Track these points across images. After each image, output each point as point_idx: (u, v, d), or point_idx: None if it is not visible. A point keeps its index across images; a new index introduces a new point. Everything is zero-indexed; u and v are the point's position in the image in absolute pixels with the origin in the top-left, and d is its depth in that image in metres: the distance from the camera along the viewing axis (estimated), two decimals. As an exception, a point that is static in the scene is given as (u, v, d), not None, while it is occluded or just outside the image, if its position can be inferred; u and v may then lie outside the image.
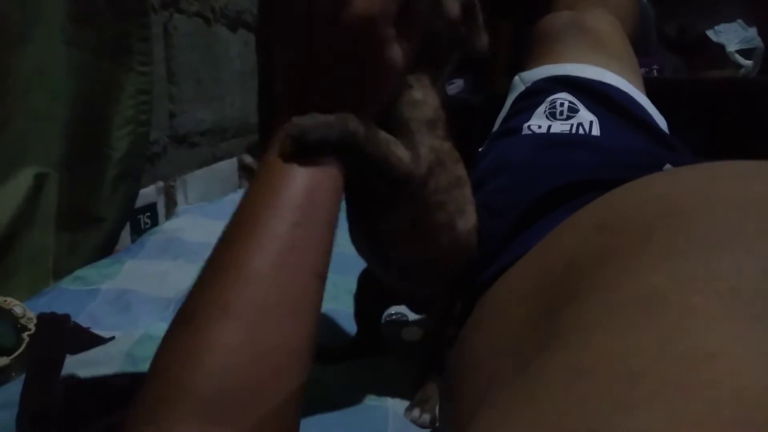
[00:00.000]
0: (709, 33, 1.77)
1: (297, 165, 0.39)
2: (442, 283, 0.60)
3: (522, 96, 0.83)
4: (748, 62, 1.74)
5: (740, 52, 1.74)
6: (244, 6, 1.67)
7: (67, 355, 0.66)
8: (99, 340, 0.70)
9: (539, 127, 0.75)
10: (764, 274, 0.25)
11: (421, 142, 0.49)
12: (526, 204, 0.56)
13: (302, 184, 0.38)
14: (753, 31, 1.75)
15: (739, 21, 1.76)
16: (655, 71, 1.74)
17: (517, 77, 0.88)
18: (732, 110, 1.84)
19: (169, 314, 0.75)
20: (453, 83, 1.84)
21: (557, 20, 0.92)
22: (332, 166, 0.41)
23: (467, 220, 0.57)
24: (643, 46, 1.71)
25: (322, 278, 0.38)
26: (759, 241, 0.27)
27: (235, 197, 1.34)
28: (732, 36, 1.75)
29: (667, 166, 0.54)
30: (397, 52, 0.43)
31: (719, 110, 1.81)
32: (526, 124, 0.76)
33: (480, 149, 0.82)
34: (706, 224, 0.29)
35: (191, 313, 0.35)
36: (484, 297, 0.48)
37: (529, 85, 0.83)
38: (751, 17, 1.77)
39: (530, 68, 0.87)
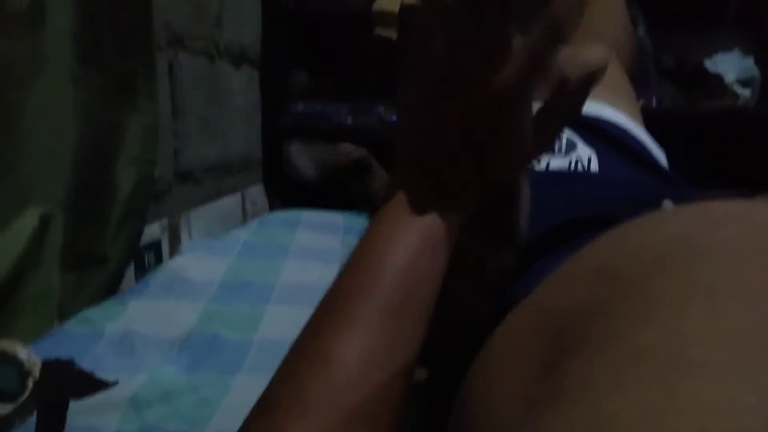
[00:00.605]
0: (707, 63, 1.79)
1: (401, 243, 0.37)
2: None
3: None
4: (746, 92, 1.75)
5: (738, 81, 1.75)
6: (248, 43, 1.70)
7: (71, 401, 0.66)
8: (103, 385, 0.69)
9: (538, 162, 0.75)
10: (761, 324, 0.25)
11: None
12: (527, 243, 0.56)
13: (403, 268, 0.37)
14: (750, 61, 1.77)
15: (737, 51, 1.78)
16: (654, 102, 1.76)
17: None
18: (731, 140, 1.85)
19: (173, 355, 0.75)
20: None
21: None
22: (441, 249, 0.38)
23: None
24: (641, 77, 1.73)
25: (408, 376, 0.36)
26: (756, 289, 0.27)
27: (240, 233, 1.34)
28: (729, 66, 1.77)
29: (666, 200, 0.55)
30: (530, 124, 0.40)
31: (718, 140, 1.82)
32: None
33: None
34: (700, 273, 0.29)
35: (274, 402, 0.35)
36: (484, 349, 0.48)
37: None
38: (748, 47, 1.79)
39: None
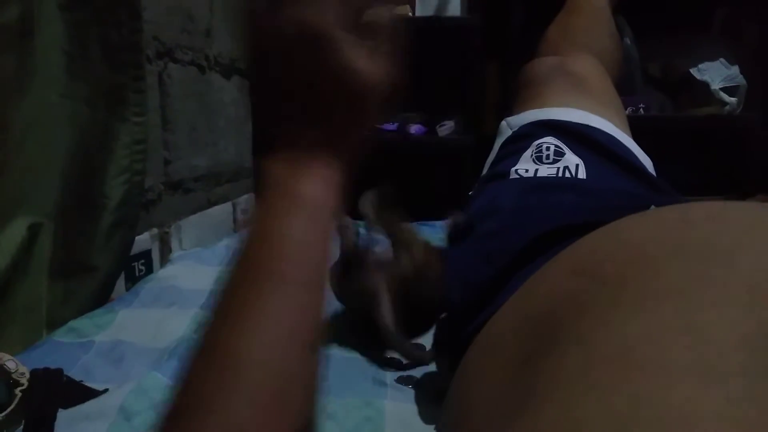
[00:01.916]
0: (693, 71, 1.81)
1: (285, 228, 0.36)
2: None
3: (509, 140, 0.85)
4: (733, 99, 1.78)
5: (724, 89, 1.78)
6: (238, 54, 1.71)
7: (60, 410, 0.66)
8: (92, 393, 0.69)
9: (526, 171, 0.76)
10: (733, 325, 0.25)
11: None
12: (515, 250, 0.57)
13: (293, 249, 0.36)
14: (735, 69, 1.80)
15: (722, 60, 1.80)
16: (641, 110, 1.78)
17: (504, 122, 0.90)
18: (717, 146, 1.88)
19: (162, 364, 0.75)
20: (444, 125, 1.87)
21: (543, 65, 0.94)
22: (320, 214, 0.37)
23: None
24: (628, 85, 1.75)
25: (314, 350, 0.35)
26: (728, 290, 0.27)
27: (231, 242, 1.34)
28: (715, 74, 1.79)
29: (652, 208, 0.55)
30: (359, 58, 0.37)
31: (705, 146, 1.84)
32: (513, 168, 0.77)
33: (470, 193, 0.83)
34: (676, 273, 0.29)
35: (179, 408, 0.32)
36: (473, 343, 0.48)
37: (515, 129, 0.85)
38: (733, 55, 1.82)
39: (516, 113, 0.89)
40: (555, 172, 0.74)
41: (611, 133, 0.81)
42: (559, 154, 0.76)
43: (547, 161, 0.76)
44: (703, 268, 0.29)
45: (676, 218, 0.36)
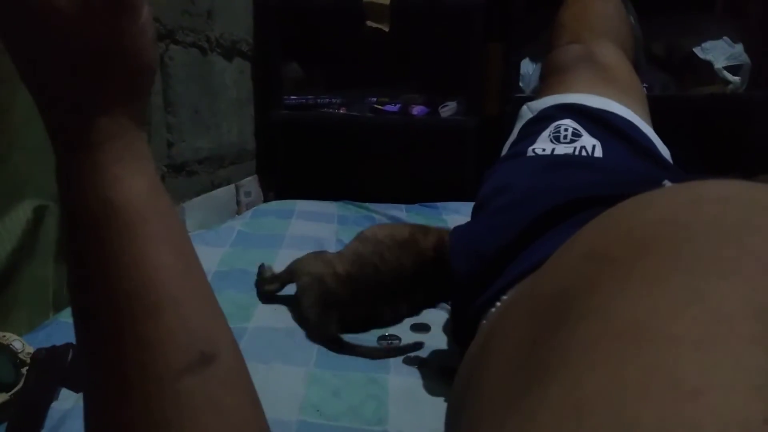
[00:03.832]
0: (696, 50, 1.79)
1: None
2: None
3: (529, 123, 0.86)
4: (736, 78, 1.76)
5: (728, 68, 1.76)
6: (240, 36, 1.70)
7: (71, 393, 0.67)
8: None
9: (543, 150, 0.77)
10: (744, 298, 0.25)
11: None
12: (526, 222, 0.57)
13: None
14: (739, 48, 1.78)
15: (725, 38, 1.79)
16: (644, 89, 1.77)
17: (525, 107, 0.91)
18: (721, 125, 1.87)
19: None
20: (446, 106, 1.86)
21: (569, 54, 0.94)
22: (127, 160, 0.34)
23: None
24: (632, 64, 1.73)
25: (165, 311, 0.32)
26: (739, 266, 0.27)
27: (234, 224, 1.35)
28: (719, 53, 1.78)
29: (666, 182, 0.55)
30: None
31: (709, 125, 1.83)
32: (530, 147, 0.78)
33: (484, 173, 0.84)
34: (685, 251, 0.29)
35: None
36: (484, 326, 0.49)
37: (536, 113, 0.86)
38: (737, 34, 1.80)
39: (540, 98, 0.90)
40: (571, 151, 0.75)
41: (630, 119, 0.81)
42: (577, 135, 0.77)
43: (565, 141, 0.77)
44: (714, 246, 0.29)
45: (687, 197, 0.36)
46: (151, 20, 0.35)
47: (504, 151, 0.91)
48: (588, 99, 0.83)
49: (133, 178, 0.33)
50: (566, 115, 0.80)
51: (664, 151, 0.81)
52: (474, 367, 0.44)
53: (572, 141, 0.76)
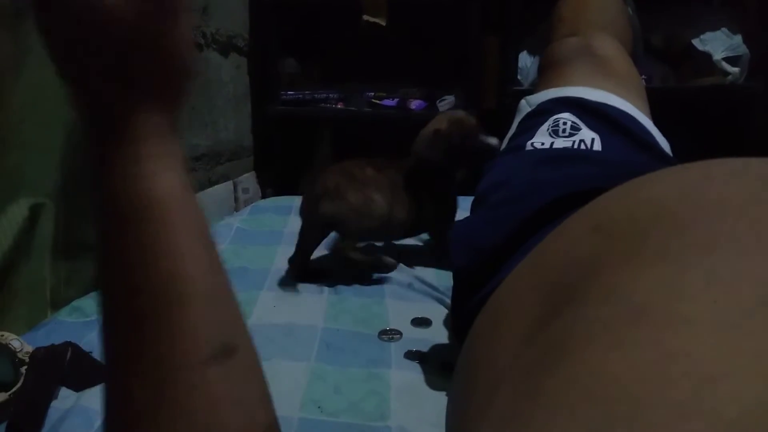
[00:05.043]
0: (695, 42, 1.79)
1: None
2: None
3: (527, 117, 0.85)
4: (735, 69, 1.76)
5: (727, 59, 1.76)
6: (236, 31, 1.69)
7: (71, 392, 0.66)
8: (103, 370, 0.69)
9: (542, 144, 0.76)
10: (759, 278, 0.24)
11: None
12: (526, 215, 0.56)
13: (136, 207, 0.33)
14: (738, 39, 1.77)
15: (724, 29, 1.78)
16: (643, 81, 1.76)
17: (523, 100, 0.90)
18: (720, 116, 1.86)
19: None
20: (444, 100, 1.85)
21: (566, 46, 0.94)
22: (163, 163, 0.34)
23: None
24: (631, 57, 1.73)
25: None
26: (751, 244, 0.27)
27: (232, 220, 1.34)
28: (718, 44, 1.77)
29: None
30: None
31: (708, 117, 1.83)
32: (529, 142, 0.78)
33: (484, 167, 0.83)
34: (698, 228, 0.29)
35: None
36: (486, 304, 0.48)
37: (534, 107, 0.85)
38: (736, 25, 1.79)
39: (537, 92, 0.89)
40: (570, 145, 0.74)
41: (630, 112, 0.80)
42: (576, 128, 0.76)
43: (563, 134, 0.76)
44: (727, 223, 0.28)
45: (698, 174, 0.36)
46: (190, 27, 0.37)
47: (503, 145, 0.90)
48: (586, 92, 0.82)
49: (168, 173, 0.34)
50: (565, 109, 0.80)
51: (664, 144, 0.80)
52: (481, 343, 0.43)
53: (571, 135, 0.76)
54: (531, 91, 0.93)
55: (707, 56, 1.76)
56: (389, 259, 1.07)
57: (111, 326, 0.34)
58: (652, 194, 0.36)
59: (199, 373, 0.32)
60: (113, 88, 0.34)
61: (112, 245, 0.34)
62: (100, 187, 0.34)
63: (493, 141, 0.99)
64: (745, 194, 0.31)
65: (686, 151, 0.76)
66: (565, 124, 0.77)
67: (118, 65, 0.34)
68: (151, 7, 0.33)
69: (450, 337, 0.81)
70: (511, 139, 0.87)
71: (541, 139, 0.77)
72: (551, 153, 0.74)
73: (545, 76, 0.94)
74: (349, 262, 1.04)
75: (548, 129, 0.78)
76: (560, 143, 0.75)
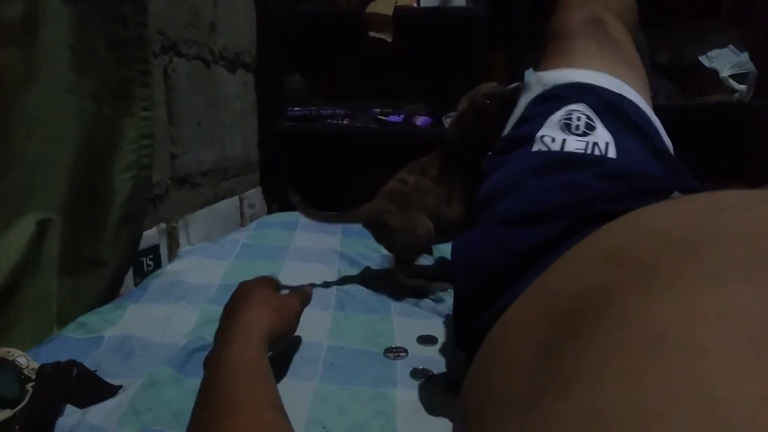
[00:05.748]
0: (702, 59, 1.78)
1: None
2: None
3: (538, 99, 0.80)
4: (742, 87, 1.75)
5: (734, 77, 1.75)
6: (243, 47, 1.70)
7: (76, 409, 0.66)
8: (108, 389, 0.69)
9: (553, 140, 0.73)
10: None
11: None
12: (535, 241, 0.55)
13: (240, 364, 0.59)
14: (745, 56, 1.77)
15: (731, 46, 1.78)
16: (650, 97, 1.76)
17: (532, 76, 0.85)
18: (727, 134, 1.86)
19: (172, 358, 0.75)
20: (450, 116, 1.85)
21: (576, 18, 0.87)
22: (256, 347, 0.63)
23: None
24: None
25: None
26: (762, 272, 0.27)
27: (238, 236, 1.34)
28: (725, 61, 1.77)
29: (676, 193, 0.54)
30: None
31: (714, 134, 1.82)
32: (538, 134, 0.74)
33: (489, 153, 0.80)
34: (711, 257, 0.29)
35: None
36: (494, 328, 0.48)
37: (548, 88, 0.80)
38: (743, 42, 1.79)
39: (547, 67, 0.84)
40: (584, 147, 0.71)
41: (642, 107, 0.77)
42: (590, 127, 0.73)
43: (577, 132, 0.72)
44: (737, 253, 0.29)
45: (708, 205, 0.36)
46: (303, 310, 0.79)
47: (508, 128, 0.84)
48: (602, 79, 0.78)
49: (253, 350, 0.62)
50: (579, 98, 0.76)
51: (667, 140, 0.79)
52: (487, 370, 0.43)
53: (585, 134, 0.72)
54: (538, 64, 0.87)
55: (714, 73, 1.76)
56: (437, 284, 1.07)
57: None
58: (663, 225, 0.36)
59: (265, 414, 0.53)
60: (256, 323, 0.66)
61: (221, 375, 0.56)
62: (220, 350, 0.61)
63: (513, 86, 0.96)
64: (756, 224, 0.31)
65: (692, 169, 0.75)
66: (579, 119, 0.73)
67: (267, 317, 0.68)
68: (304, 306, 0.78)
69: (456, 353, 0.80)
70: (518, 123, 0.82)
71: (551, 133, 0.73)
72: (561, 156, 0.71)
73: (555, 47, 0.87)
74: (399, 288, 1.05)
75: (560, 121, 0.74)
76: (572, 142, 0.72)
